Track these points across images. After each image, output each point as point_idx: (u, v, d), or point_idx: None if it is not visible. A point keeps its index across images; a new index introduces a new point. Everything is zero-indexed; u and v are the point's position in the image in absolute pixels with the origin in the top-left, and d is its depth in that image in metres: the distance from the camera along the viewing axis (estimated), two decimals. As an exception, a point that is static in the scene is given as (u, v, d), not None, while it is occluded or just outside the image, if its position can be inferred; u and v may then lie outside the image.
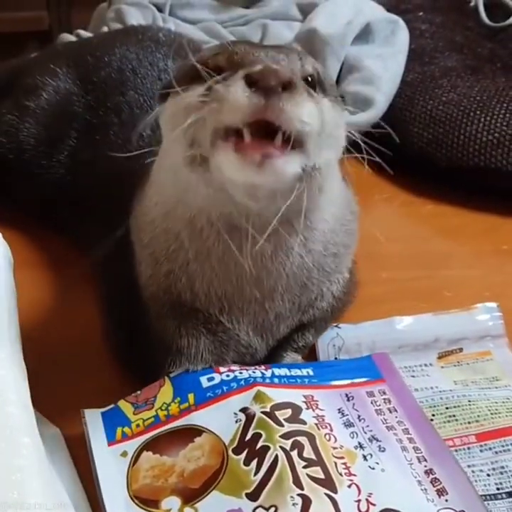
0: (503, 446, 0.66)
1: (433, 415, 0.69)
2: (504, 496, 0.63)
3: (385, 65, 1.12)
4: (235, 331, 0.70)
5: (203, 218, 0.65)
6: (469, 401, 0.70)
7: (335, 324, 0.80)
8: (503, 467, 0.64)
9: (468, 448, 0.66)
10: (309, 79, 0.60)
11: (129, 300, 0.73)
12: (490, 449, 0.66)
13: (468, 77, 1.13)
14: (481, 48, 1.23)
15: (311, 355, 0.78)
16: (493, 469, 0.64)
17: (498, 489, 0.63)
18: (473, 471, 0.64)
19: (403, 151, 1.09)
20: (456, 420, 0.69)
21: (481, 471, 0.64)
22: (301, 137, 0.56)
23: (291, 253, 0.67)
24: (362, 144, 0.64)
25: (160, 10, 1.30)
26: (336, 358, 0.78)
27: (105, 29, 1.26)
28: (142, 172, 0.72)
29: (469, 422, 0.68)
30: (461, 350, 0.78)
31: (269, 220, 0.61)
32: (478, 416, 0.69)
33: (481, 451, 0.66)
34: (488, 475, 0.64)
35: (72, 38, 1.25)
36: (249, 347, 0.72)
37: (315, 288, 0.72)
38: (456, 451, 0.66)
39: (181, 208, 0.66)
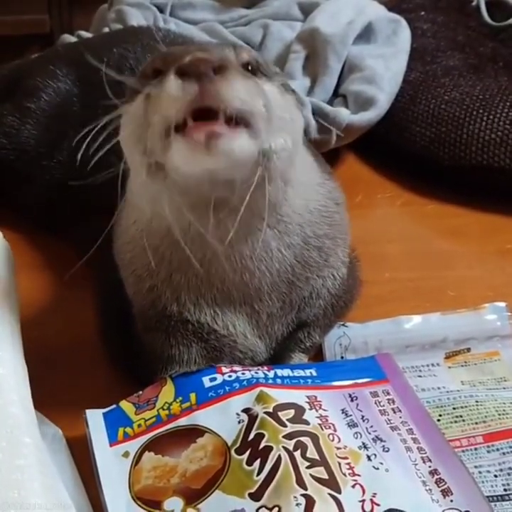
0: (510, 447, 0.66)
1: (440, 415, 0.69)
2: (511, 497, 0.62)
3: (386, 65, 1.12)
4: (232, 337, 0.70)
5: (176, 230, 0.63)
6: (477, 401, 0.70)
7: (342, 323, 0.79)
8: (510, 468, 0.64)
9: (476, 449, 0.66)
10: (249, 67, 0.60)
11: (120, 308, 0.73)
12: (497, 449, 0.66)
13: (471, 76, 1.13)
14: (483, 47, 1.22)
15: (317, 354, 0.78)
16: (501, 470, 0.64)
17: (505, 490, 0.63)
18: (480, 472, 0.64)
19: (405, 151, 1.09)
20: (464, 421, 0.68)
21: (488, 472, 0.64)
22: (246, 117, 0.56)
23: (270, 249, 0.67)
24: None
25: (161, 11, 1.30)
26: (342, 357, 0.78)
27: (106, 30, 1.25)
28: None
29: (476, 423, 0.68)
30: (468, 350, 0.78)
31: (237, 211, 0.60)
32: (486, 417, 0.68)
33: (488, 452, 0.66)
34: (496, 476, 0.64)
35: (73, 39, 1.25)
36: (247, 351, 0.71)
37: (304, 284, 0.71)
38: (463, 451, 0.66)
39: (156, 221, 0.66)
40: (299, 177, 0.67)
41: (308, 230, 0.70)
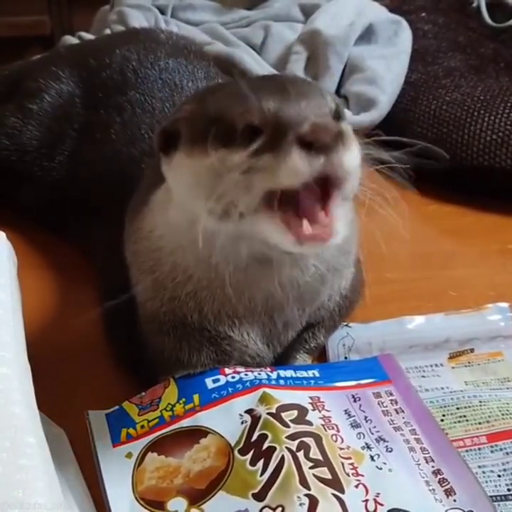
0: (514, 447, 0.66)
1: (443, 416, 0.69)
2: (515, 497, 0.62)
3: (388, 66, 1.12)
4: (244, 343, 0.70)
5: (218, 256, 0.62)
6: (480, 401, 0.70)
7: (345, 323, 0.79)
8: (514, 468, 0.64)
9: (479, 449, 0.66)
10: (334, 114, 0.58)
11: (124, 309, 0.72)
12: (501, 449, 0.65)
13: (472, 77, 1.13)
14: (484, 48, 1.23)
15: (320, 355, 0.78)
16: (504, 470, 0.64)
17: (509, 490, 0.62)
18: (483, 472, 0.64)
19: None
20: (467, 421, 0.68)
21: (492, 471, 0.64)
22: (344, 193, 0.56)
23: (306, 265, 0.66)
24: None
25: (162, 12, 1.30)
26: (346, 358, 0.78)
27: (107, 31, 1.26)
28: (140, 179, 0.72)
29: (480, 423, 0.68)
30: (472, 350, 0.78)
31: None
32: (489, 416, 0.68)
33: (491, 452, 0.65)
34: (499, 476, 0.63)
35: (74, 40, 1.25)
36: (255, 356, 0.71)
37: (327, 289, 0.71)
38: (466, 451, 0.65)
39: (192, 248, 0.62)
40: None
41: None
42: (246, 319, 0.68)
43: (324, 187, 0.54)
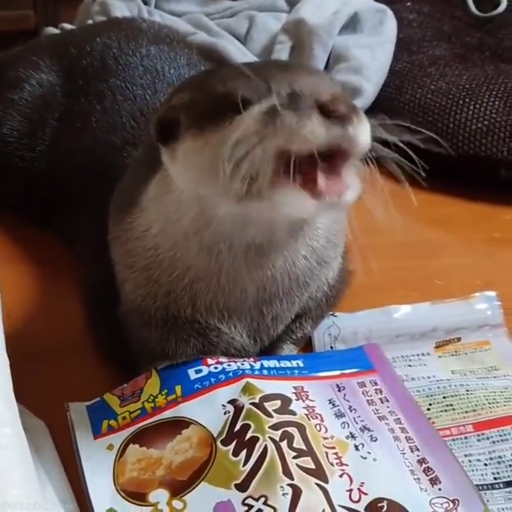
0: (500, 435, 0.65)
1: (430, 405, 0.69)
2: (501, 485, 0.62)
3: (373, 55, 1.12)
4: (231, 335, 0.69)
5: (222, 244, 0.63)
6: (467, 390, 0.69)
7: (331, 313, 0.79)
8: (500, 457, 0.64)
9: (466, 437, 0.66)
10: None
11: (106, 301, 0.72)
12: (487, 438, 0.65)
13: (457, 66, 1.13)
14: (470, 37, 1.23)
15: (306, 345, 0.78)
16: (491, 459, 0.64)
17: (495, 479, 0.62)
18: (470, 461, 0.64)
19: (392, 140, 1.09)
20: (454, 410, 0.68)
21: (478, 460, 0.64)
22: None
23: (297, 257, 0.67)
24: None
25: (145, 3, 1.29)
26: (331, 347, 0.77)
27: (90, 22, 1.24)
28: (123, 170, 0.71)
29: (467, 412, 0.68)
30: (459, 339, 0.77)
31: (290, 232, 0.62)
32: (476, 405, 0.68)
33: (478, 440, 0.65)
34: (486, 464, 0.63)
35: (56, 31, 1.24)
36: (241, 350, 0.71)
37: (315, 282, 0.71)
38: (453, 440, 0.65)
39: (198, 238, 0.64)
40: None
41: (330, 228, 0.70)
42: (236, 312, 0.68)
43: (332, 162, 0.55)
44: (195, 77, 0.71)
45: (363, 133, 0.55)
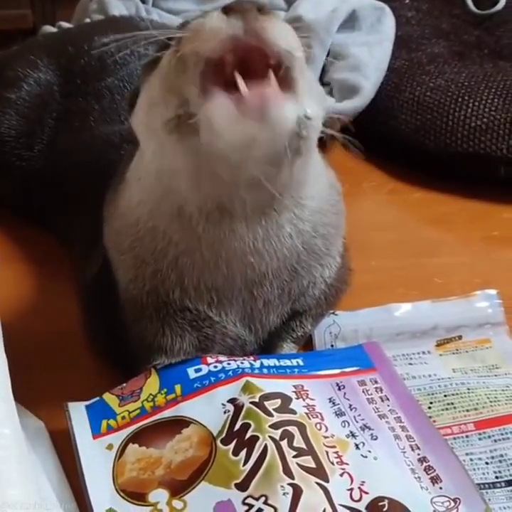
0: (502, 434, 0.65)
1: (431, 403, 0.69)
2: (503, 484, 0.62)
3: (371, 53, 1.11)
4: (223, 323, 0.69)
5: (192, 206, 0.62)
6: (468, 389, 0.69)
7: (331, 311, 0.79)
8: (502, 455, 0.63)
9: (467, 436, 0.65)
10: None
11: (103, 298, 0.72)
12: (489, 437, 0.65)
13: (456, 63, 1.13)
14: (468, 34, 1.22)
15: (307, 343, 0.77)
16: (492, 457, 0.63)
17: (496, 477, 0.62)
18: (471, 460, 0.63)
19: (391, 139, 1.09)
20: (455, 408, 0.68)
21: (480, 459, 0.63)
22: (290, 75, 0.55)
23: (282, 233, 0.66)
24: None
25: (143, 1, 1.29)
26: (332, 346, 0.77)
27: (88, 21, 1.24)
28: (119, 164, 0.71)
29: (468, 410, 0.67)
30: (460, 337, 0.77)
31: (261, 196, 0.59)
32: (477, 404, 0.68)
33: (479, 439, 0.65)
34: (487, 463, 0.63)
35: (54, 30, 1.23)
36: (238, 339, 0.70)
37: (305, 273, 0.70)
38: (454, 439, 0.65)
39: (167, 200, 0.64)
40: (314, 159, 0.66)
41: (318, 217, 0.69)
42: (225, 295, 0.67)
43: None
44: None
45: (271, 28, 0.53)
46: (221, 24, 0.53)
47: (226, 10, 0.54)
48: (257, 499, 0.55)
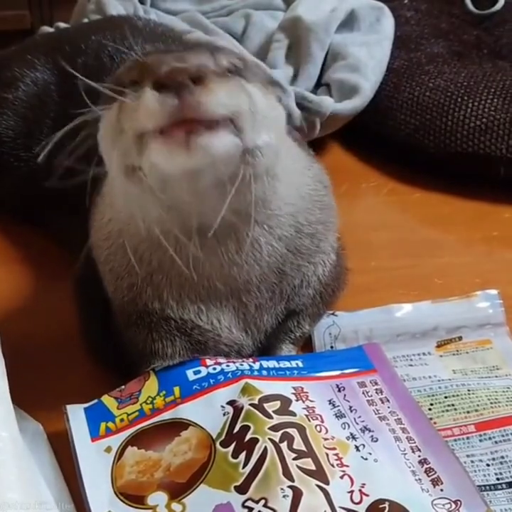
0: (503, 435, 0.65)
1: (431, 404, 0.68)
2: (504, 486, 0.62)
3: (370, 53, 1.11)
4: (216, 331, 0.69)
5: (158, 229, 0.61)
6: (469, 390, 0.69)
7: (331, 312, 0.78)
8: (503, 457, 0.63)
9: (468, 438, 0.65)
10: (228, 73, 0.57)
11: (99, 303, 0.72)
12: (489, 438, 0.65)
13: (455, 63, 1.12)
14: (467, 34, 1.22)
15: (306, 345, 0.77)
16: (493, 459, 0.63)
17: (498, 479, 0.62)
18: (472, 461, 0.63)
19: (390, 139, 1.08)
20: (455, 410, 0.68)
21: (481, 461, 0.63)
22: (233, 119, 0.55)
23: (259, 245, 0.66)
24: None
25: (141, 1, 1.28)
26: (332, 347, 0.77)
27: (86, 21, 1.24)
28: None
29: (468, 412, 0.67)
30: (460, 338, 0.77)
31: (225, 220, 0.59)
32: (478, 405, 0.68)
33: (480, 440, 0.65)
34: (488, 465, 0.63)
35: (51, 30, 1.23)
36: (233, 345, 0.70)
37: (295, 273, 0.70)
38: (455, 440, 0.65)
39: (135, 223, 0.63)
40: (288, 166, 0.66)
41: (301, 218, 0.69)
42: (212, 304, 0.67)
43: None
44: None
45: (212, 96, 0.53)
46: (155, 105, 0.53)
47: (158, 85, 0.53)
48: (256, 502, 0.55)
